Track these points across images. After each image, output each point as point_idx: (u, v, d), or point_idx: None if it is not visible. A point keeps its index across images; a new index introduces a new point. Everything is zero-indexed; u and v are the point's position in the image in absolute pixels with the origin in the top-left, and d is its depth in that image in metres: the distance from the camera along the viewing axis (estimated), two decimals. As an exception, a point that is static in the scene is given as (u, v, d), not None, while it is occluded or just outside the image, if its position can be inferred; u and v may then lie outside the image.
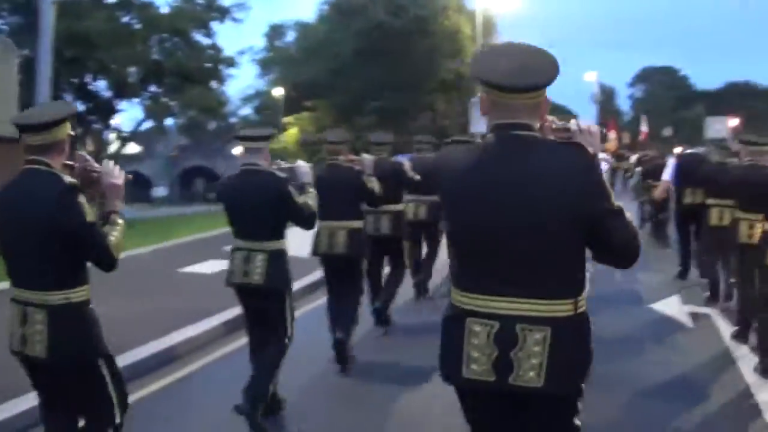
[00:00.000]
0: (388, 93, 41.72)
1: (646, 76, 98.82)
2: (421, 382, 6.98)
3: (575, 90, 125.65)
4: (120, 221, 4.08)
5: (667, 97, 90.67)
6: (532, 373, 2.93)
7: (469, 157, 3.16)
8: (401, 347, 8.60)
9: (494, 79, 2.99)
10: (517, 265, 2.99)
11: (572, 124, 3.21)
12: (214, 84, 34.71)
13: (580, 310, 3.01)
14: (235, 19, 34.00)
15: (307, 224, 6.24)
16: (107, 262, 3.99)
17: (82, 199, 3.91)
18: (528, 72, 2.98)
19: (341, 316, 7.69)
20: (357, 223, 7.86)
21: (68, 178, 3.94)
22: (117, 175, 4.15)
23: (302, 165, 6.62)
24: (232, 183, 6.23)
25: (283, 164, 6.74)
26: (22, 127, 3.95)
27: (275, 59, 49.64)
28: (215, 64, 34.43)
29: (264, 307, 6.12)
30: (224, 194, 6.26)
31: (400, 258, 9.49)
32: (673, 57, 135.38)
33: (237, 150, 6.70)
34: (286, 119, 46.63)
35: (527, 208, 2.95)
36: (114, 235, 3.99)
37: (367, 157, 8.06)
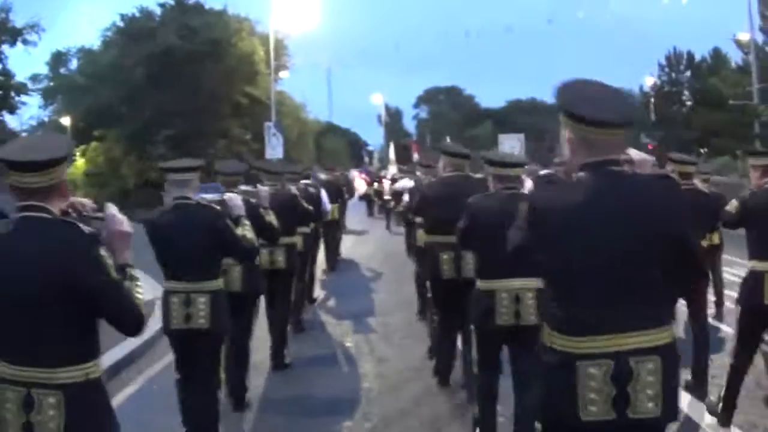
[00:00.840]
0: (181, 120, 40.11)
1: (430, 96, 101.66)
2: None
3: (362, 112, 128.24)
4: (137, 275, 3.40)
5: (454, 116, 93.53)
6: (650, 404, 3.02)
7: (572, 197, 3.18)
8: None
9: (596, 116, 3.09)
10: (627, 298, 3.08)
11: (633, 153, 3.44)
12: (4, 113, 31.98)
13: (673, 336, 3.14)
14: (26, 42, 31.61)
15: (249, 258, 6.09)
16: (136, 325, 3.36)
17: (105, 251, 3.25)
18: (614, 109, 3.13)
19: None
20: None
21: (87, 228, 3.26)
22: (123, 221, 3.43)
23: (234, 197, 6.22)
24: (165, 220, 5.76)
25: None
26: (20, 165, 3.18)
27: (59, 88, 46.65)
28: (5, 90, 31.71)
29: (203, 351, 5.74)
30: (157, 233, 5.76)
31: (288, 294, 9.01)
32: (457, 78, 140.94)
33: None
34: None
35: (636, 239, 3.09)
36: (139, 293, 3.35)
37: (263, 189, 7.47)
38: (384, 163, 42.95)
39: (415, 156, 39.47)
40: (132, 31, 42.43)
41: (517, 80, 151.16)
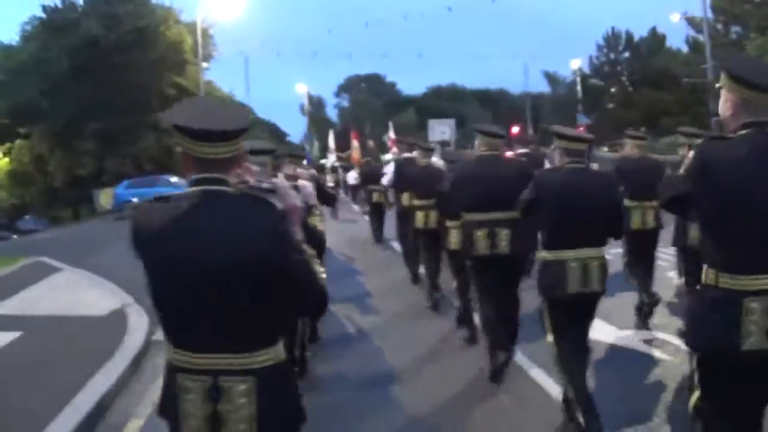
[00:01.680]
0: (109, 113, 38.93)
1: (351, 85, 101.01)
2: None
3: (285, 101, 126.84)
4: (312, 253, 3.13)
5: (376, 104, 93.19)
6: None
7: (737, 150, 3.48)
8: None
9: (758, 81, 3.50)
10: None
11: None
12: None
13: None
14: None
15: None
16: (322, 303, 3.21)
17: (295, 228, 3.07)
18: None
19: None
20: None
21: (278, 204, 3.08)
22: (295, 195, 3.36)
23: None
24: None
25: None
26: (209, 134, 2.89)
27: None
28: None
29: None
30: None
31: None
32: (377, 66, 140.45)
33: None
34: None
35: None
36: (321, 270, 3.12)
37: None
38: (323, 152, 42.53)
39: (354, 143, 38.95)
40: (54, 23, 40.97)
41: (436, 67, 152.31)
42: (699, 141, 6.95)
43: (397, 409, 6.56)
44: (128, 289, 11.50)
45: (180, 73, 42.01)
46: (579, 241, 5.65)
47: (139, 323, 9.63)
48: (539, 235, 5.92)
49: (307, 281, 3.01)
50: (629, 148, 8.95)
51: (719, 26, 40.43)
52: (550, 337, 5.85)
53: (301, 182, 6.05)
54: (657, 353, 7.65)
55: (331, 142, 41.51)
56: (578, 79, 69.41)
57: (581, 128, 60.28)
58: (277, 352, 2.97)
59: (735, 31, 40.04)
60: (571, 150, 5.82)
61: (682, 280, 9.60)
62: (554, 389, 6.38)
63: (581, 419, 5.45)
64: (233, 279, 2.83)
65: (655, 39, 54.53)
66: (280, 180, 5.59)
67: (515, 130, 62.75)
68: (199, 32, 41.10)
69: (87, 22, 39.56)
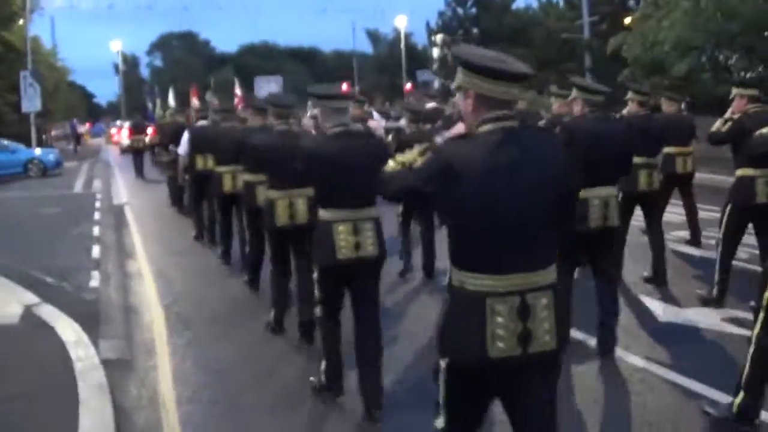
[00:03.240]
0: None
1: (164, 42, 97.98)
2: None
3: (100, 60, 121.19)
4: None
5: (192, 62, 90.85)
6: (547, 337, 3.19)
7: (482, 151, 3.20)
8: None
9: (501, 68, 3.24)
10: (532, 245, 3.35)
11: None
12: None
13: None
14: None
15: None
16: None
17: None
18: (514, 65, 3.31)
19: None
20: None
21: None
22: None
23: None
24: (330, 148, 5.51)
25: None
26: (514, 76, 3.23)
27: None
28: None
29: (371, 277, 5.71)
30: (321, 161, 5.50)
31: None
32: (189, 23, 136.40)
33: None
34: None
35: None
36: None
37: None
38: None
39: (194, 101, 37.83)
40: None
41: (249, 24, 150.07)
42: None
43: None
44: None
45: (6, 27, 39.10)
46: (602, 180, 6.35)
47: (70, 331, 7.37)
48: None
49: (573, 207, 3.55)
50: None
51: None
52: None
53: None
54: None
55: (172, 100, 40.14)
56: (402, 37, 70.43)
57: (408, 88, 60.84)
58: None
59: None
60: (592, 102, 6.63)
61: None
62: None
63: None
64: (546, 201, 3.15)
65: None
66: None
67: (344, 87, 63.22)
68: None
69: None
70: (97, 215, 16.05)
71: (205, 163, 11.87)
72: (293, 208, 6.99)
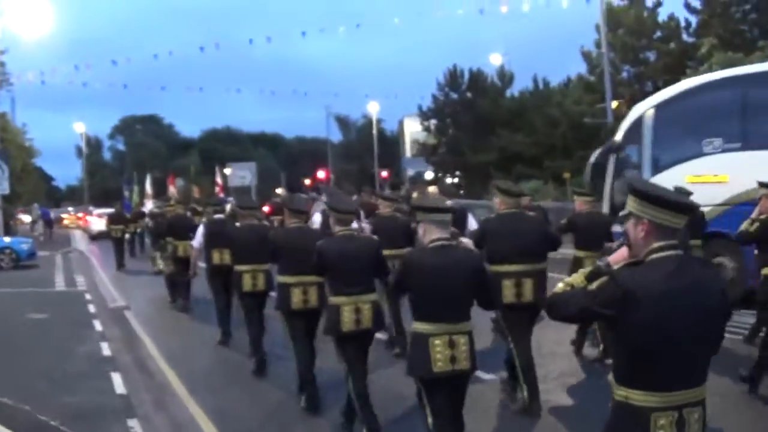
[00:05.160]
0: None
1: (127, 126, 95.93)
2: None
3: (58, 142, 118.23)
4: None
5: (156, 146, 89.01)
6: None
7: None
8: None
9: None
10: None
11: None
12: None
13: None
14: None
15: None
16: None
17: None
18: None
19: None
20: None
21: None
22: None
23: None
24: (432, 261, 5.65)
25: None
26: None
27: None
28: None
29: (464, 390, 6.00)
30: (425, 274, 5.70)
31: None
32: (152, 107, 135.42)
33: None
34: None
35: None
36: None
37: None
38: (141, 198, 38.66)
39: (171, 189, 35.73)
40: None
41: (210, 108, 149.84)
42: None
43: None
44: None
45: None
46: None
47: None
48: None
49: None
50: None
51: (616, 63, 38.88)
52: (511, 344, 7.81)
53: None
54: None
55: (149, 187, 38.03)
56: (374, 122, 68.97)
57: (384, 175, 59.08)
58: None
59: (626, 70, 39.74)
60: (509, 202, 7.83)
61: None
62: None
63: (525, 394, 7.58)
64: (715, 327, 3.51)
65: (480, 78, 52.97)
66: None
67: (321, 174, 61.70)
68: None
69: None
70: (97, 325, 13.70)
71: (221, 257, 11.68)
72: (360, 313, 6.99)
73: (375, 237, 8.34)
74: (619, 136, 15.88)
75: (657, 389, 3.35)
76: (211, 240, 11.88)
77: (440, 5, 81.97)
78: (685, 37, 38.40)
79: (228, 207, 14.46)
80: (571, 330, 9.94)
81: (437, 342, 5.47)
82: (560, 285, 3.80)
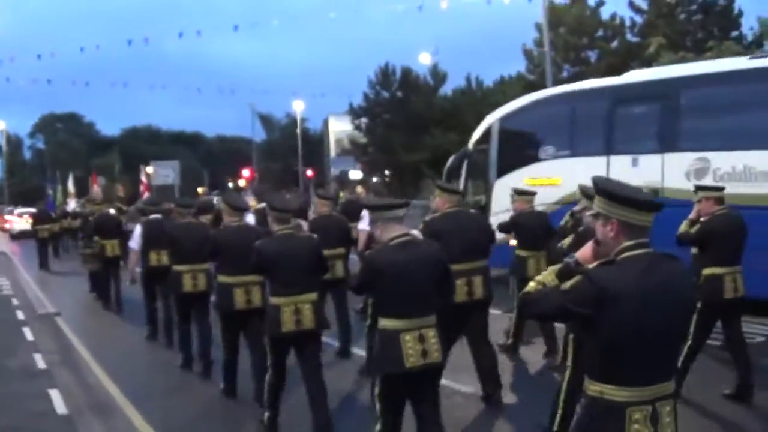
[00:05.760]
0: None
1: (46, 124, 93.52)
2: None
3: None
4: None
5: (77, 144, 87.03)
6: None
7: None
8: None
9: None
10: None
11: None
12: None
13: None
14: None
15: None
16: None
17: None
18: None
19: None
20: None
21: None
22: None
23: None
24: (400, 257, 5.58)
25: None
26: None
27: None
28: None
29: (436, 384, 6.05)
30: (391, 270, 5.59)
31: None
32: (73, 105, 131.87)
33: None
34: None
35: None
36: None
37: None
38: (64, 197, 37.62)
39: (95, 188, 34.89)
40: None
41: (131, 106, 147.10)
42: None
43: None
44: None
45: None
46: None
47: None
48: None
49: None
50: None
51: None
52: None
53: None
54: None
55: (71, 186, 37.05)
56: (299, 121, 68.48)
57: (309, 174, 58.31)
58: None
59: (567, 69, 39.15)
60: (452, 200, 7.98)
61: None
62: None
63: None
64: (687, 319, 4.07)
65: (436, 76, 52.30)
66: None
67: (246, 173, 60.99)
68: None
69: None
70: (28, 333, 13.11)
71: (158, 258, 11.54)
72: (300, 313, 6.94)
73: (314, 235, 8.13)
74: (470, 144, 18.01)
75: (632, 384, 3.42)
76: (149, 241, 11.56)
77: (379, 2, 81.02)
78: (629, 36, 38.21)
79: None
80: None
81: (407, 338, 5.45)
82: (532, 284, 3.83)
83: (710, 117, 13.47)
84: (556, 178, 14.76)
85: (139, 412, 8.30)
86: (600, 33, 39.03)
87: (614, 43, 38.57)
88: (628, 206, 3.51)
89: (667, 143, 13.34)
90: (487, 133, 17.28)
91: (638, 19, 37.63)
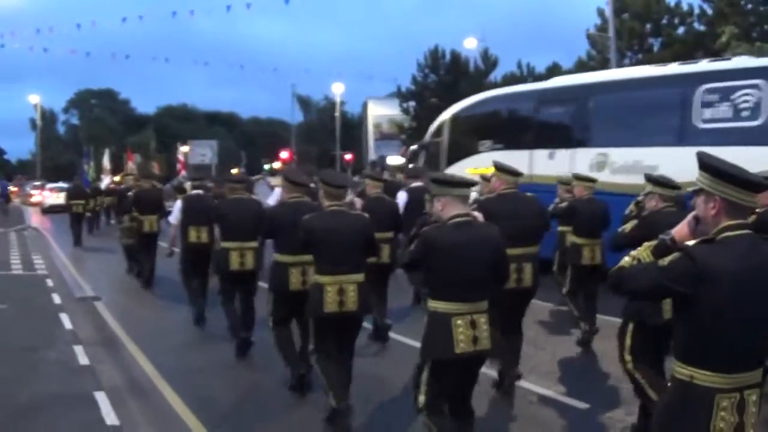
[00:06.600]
0: None
1: (81, 100, 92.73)
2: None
3: (16, 114, 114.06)
4: None
5: (112, 122, 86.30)
6: None
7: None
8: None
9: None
10: None
11: None
12: None
13: None
14: None
15: None
16: None
17: None
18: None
19: None
20: None
21: None
22: None
23: None
24: (455, 238, 5.36)
25: None
26: (760, 186, 3.45)
27: None
28: None
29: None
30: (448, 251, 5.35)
31: None
32: (108, 80, 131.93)
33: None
34: None
35: None
36: None
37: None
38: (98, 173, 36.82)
39: (130, 164, 33.62)
40: None
41: (167, 84, 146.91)
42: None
43: None
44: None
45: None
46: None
47: None
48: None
49: None
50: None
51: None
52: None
53: None
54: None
55: (107, 162, 35.95)
56: (338, 104, 67.16)
57: (348, 158, 57.07)
58: None
59: (629, 56, 37.27)
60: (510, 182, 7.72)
61: None
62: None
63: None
64: None
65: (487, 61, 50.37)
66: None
67: (285, 155, 59.75)
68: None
69: None
70: (66, 321, 11.85)
71: (198, 235, 11.30)
72: (344, 294, 6.60)
73: (366, 215, 7.42)
74: (427, 137, 20.69)
75: (723, 370, 3.32)
76: (188, 216, 11.38)
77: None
78: (696, 25, 36.47)
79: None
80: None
81: (459, 322, 5.25)
82: (626, 259, 3.69)
83: (611, 118, 15.22)
84: (491, 168, 14.71)
85: (201, 422, 7.01)
86: (665, 20, 37.14)
87: (680, 31, 36.65)
88: (734, 184, 3.37)
89: (577, 140, 15.59)
90: (440, 128, 19.93)
91: (706, 7, 35.68)
